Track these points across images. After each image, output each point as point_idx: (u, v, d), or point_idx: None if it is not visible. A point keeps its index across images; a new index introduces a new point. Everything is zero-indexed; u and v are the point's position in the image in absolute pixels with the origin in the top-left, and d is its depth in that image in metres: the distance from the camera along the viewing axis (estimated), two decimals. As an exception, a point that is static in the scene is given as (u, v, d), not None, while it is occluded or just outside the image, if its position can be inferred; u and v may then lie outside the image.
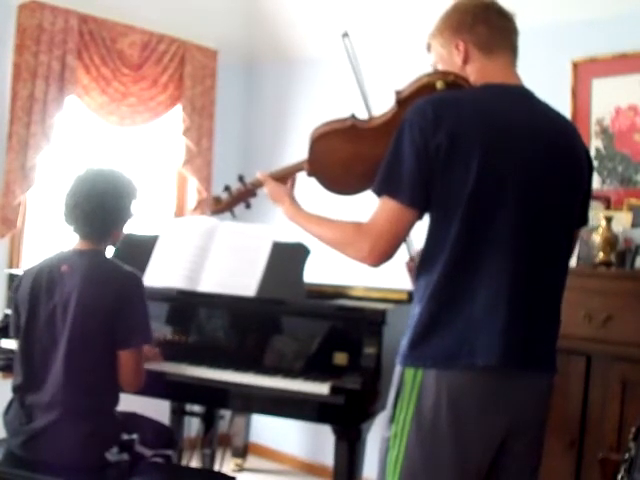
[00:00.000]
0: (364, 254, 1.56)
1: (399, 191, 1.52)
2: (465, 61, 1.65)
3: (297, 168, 1.93)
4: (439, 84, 1.64)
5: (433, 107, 1.51)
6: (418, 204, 1.52)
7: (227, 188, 2.08)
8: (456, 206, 1.50)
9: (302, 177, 1.93)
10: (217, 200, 2.10)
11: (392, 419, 1.56)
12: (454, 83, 1.64)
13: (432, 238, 1.56)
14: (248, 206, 2.11)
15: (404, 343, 1.56)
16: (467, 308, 1.50)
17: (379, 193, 1.56)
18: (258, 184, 2.01)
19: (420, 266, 1.59)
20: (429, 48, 1.76)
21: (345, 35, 2.22)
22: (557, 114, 1.67)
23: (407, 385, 1.54)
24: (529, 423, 1.61)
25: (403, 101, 1.70)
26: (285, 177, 1.95)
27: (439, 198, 1.51)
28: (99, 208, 2.21)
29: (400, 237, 1.55)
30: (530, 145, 1.54)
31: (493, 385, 1.52)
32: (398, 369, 1.57)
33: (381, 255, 1.55)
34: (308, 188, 2.02)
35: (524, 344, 1.53)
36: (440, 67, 1.72)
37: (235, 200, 2.08)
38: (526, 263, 1.53)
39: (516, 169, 1.52)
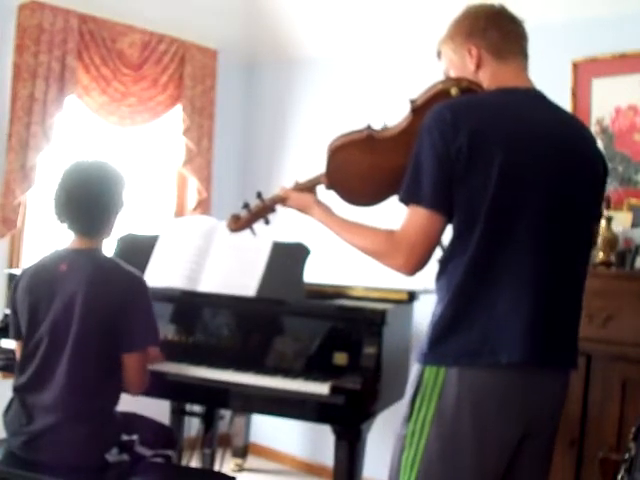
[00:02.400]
0: (399, 264, 1.56)
1: (425, 198, 1.52)
2: (478, 66, 1.66)
3: (315, 182, 1.90)
4: (453, 90, 1.64)
5: (451, 111, 1.51)
6: (445, 208, 1.52)
7: (246, 205, 2.02)
8: (479, 207, 1.50)
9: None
10: (236, 218, 2.03)
11: (409, 417, 1.56)
12: (468, 89, 1.64)
13: (456, 238, 1.56)
14: (267, 222, 2.05)
15: (425, 342, 1.56)
16: (490, 307, 1.51)
17: (406, 202, 1.56)
18: (279, 200, 1.95)
19: (443, 265, 1.59)
20: (439, 55, 1.76)
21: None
22: (571, 116, 1.68)
23: (428, 384, 1.53)
24: (544, 424, 1.62)
25: (418, 109, 1.69)
26: (305, 191, 1.91)
27: (462, 200, 1.52)
28: (90, 197, 2.18)
29: (432, 244, 1.55)
30: (547, 145, 1.55)
31: (514, 384, 1.52)
32: (417, 367, 1.57)
33: (417, 264, 1.55)
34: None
35: (547, 342, 1.54)
36: (452, 73, 1.72)
37: (254, 217, 2.01)
38: (547, 262, 1.54)
39: (535, 169, 1.53)
